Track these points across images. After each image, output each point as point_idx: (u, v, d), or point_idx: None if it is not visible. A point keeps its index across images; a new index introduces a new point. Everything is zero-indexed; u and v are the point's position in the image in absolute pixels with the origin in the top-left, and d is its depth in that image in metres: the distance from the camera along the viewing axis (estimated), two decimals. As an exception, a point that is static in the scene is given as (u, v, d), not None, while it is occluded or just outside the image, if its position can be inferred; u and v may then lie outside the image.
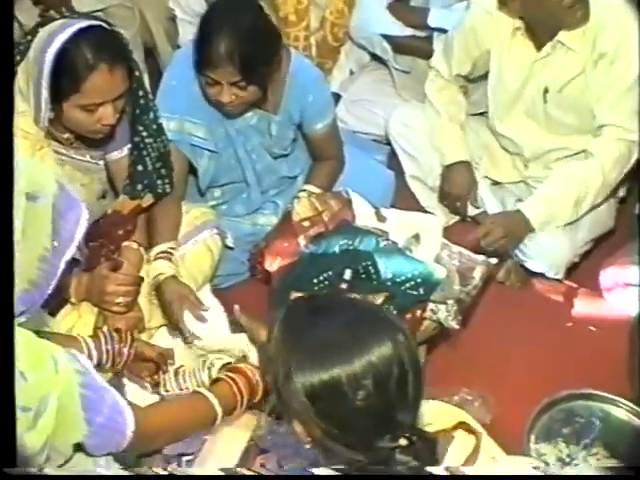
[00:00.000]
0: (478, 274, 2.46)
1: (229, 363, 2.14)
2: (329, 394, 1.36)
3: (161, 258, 2.46)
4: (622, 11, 2.61)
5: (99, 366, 2.04)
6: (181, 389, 2.15)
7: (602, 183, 2.70)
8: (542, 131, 2.82)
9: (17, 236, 1.54)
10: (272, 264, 2.52)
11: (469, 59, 2.90)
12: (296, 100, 2.70)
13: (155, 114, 2.42)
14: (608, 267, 2.81)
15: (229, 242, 2.74)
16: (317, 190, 2.78)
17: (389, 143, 3.21)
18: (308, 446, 1.44)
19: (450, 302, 2.37)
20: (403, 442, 1.38)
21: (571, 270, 2.85)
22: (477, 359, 2.61)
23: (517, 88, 2.79)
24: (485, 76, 2.90)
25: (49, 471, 1.57)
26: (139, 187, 2.43)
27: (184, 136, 2.61)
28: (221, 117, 2.66)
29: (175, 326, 2.40)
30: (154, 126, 2.41)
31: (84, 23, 2.16)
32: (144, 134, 2.38)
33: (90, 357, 2.03)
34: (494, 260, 2.55)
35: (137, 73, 2.31)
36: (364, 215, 2.59)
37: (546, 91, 2.73)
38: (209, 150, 2.67)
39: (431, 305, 2.37)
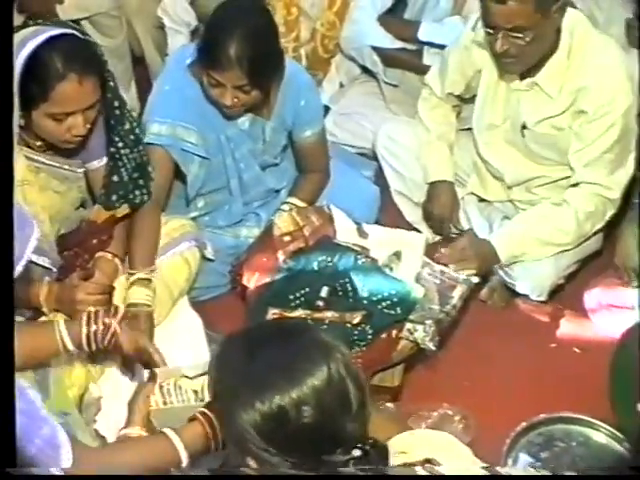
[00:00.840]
0: (457, 293, 2.44)
1: None
2: (274, 423, 1.38)
3: (139, 284, 2.40)
4: (612, 71, 2.59)
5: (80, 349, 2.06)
6: (165, 403, 2.08)
7: (575, 232, 2.71)
8: (523, 159, 2.81)
9: None
10: (250, 280, 2.49)
11: (463, 78, 2.88)
12: (289, 104, 2.69)
13: (132, 124, 2.39)
14: (593, 288, 2.79)
15: (208, 254, 2.70)
16: (301, 203, 2.77)
17: (375, 157, 3.19)
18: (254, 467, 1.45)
19: (428, 322, 2.34)
20: (357, 453, 1.40)
21: (556, 291, 2.82)
22: (457, 379, 2.58)
23: (498, 117, 2.78)
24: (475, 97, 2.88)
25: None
26: (114, 197, 2.40)
27: (176, 141, 2.59)
28: (213, 123, 2.63)
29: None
30: (131, 136, 2.38)
31: (56, 31, 2.13)
32: (120, 145, 2.36)
33: (64, 344, 2.02)
34: (476, 279, 2.52)
35: (111, 83, 2.28)
36: (345, 231, 2.58)
37: (524, 127, 2.72)
38: (200, 156, 2.65)
39: (408, 325, 2.35)
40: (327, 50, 3.35)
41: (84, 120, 2.19)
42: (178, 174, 2.69)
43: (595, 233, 2.78)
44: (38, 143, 2.27)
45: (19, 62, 2.08)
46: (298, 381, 1.37)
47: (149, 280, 2.42)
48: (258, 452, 1.40)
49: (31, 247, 1.61)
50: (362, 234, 2.57)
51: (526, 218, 2.77)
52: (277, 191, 2.89)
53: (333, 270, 2.43)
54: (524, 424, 2.32)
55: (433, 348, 2.35)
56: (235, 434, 1.41)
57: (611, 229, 2.86)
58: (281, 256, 2.51)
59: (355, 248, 2.49)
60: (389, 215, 3.03)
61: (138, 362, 2.17)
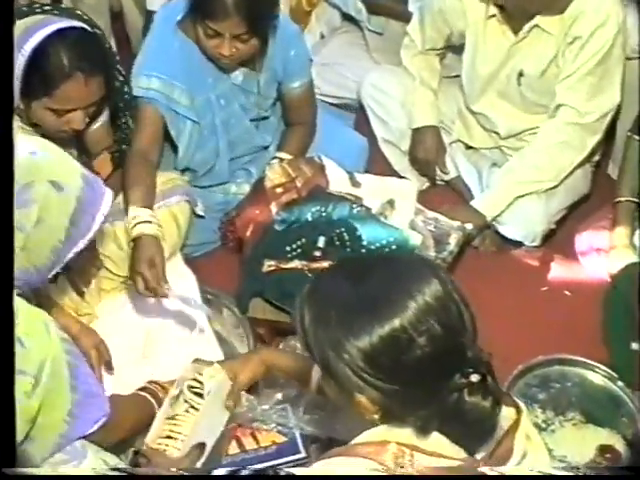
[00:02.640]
0: (454, 240, 2.45)
1: None
2: (390, 349, 1.29)
3: (143, 222, 2.32)
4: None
5: None
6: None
7: (550, 166, 2.71)
8: (517, 111, 2.80)
9: (31, 219, 1.57)
10: (244, 231, 2.49)
11: (441, 37, 2.88)
12: (280, 55, 2.64)
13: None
14: (583, 232, 2.78)
15: (199, 210, 2.67)
16: (290, 157, 2.73)
17: (360, 107, 3.16)
18: (376, 417, 1.36)
19: (426, 269, 2.33)
20: (475, 378, 1.32)
21: (547, 236, 2.82)
22: None
23: (490, 72, 2.76)
24: (462, 46, 2.85)
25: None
26: None
27: (168, 101, 2.53)
28: (204, 82, 2.58)
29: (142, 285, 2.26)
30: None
31: (65, 23, 2.07)
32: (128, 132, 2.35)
33: None
34: (470, 226, 2.52)
35: (119, 79, 2.25)
36: (338, 181, 2.57)
37: (520, 74, 2.71)
38: (191, 120, 2.60)
39: (406, 272, 2.33)
40: (311, 3, 3.34)
41: (84, 115, 2.14)
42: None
43: (578, 167, 2.75)
44: (29, 127, 2.21)
45: (25, 51, 2.02)
46: (412, 298, 1.30)
47: (150, 221, 2.34)
48: (370, 384, 1.31)
49: (98, 223, 1.70)
50: (355, 183, 2.57)
51: (502, 169, 2.78)
52: (266, 147, 2.85)
53: (328, 220, 2.42)
54: (521, 367, 2.33)
55: (431, 294, 2.33)
56: (342, 369, 1.32)
57: (599, 171, 2.85)
58: (274, 208, 2.50)
59: (349, 197, 2.49)
60: (376, 165, 3.01)
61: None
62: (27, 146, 1.63)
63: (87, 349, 2.07)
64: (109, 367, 2.16)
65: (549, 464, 1.50)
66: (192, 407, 1.86)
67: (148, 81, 2.49)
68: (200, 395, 1.86)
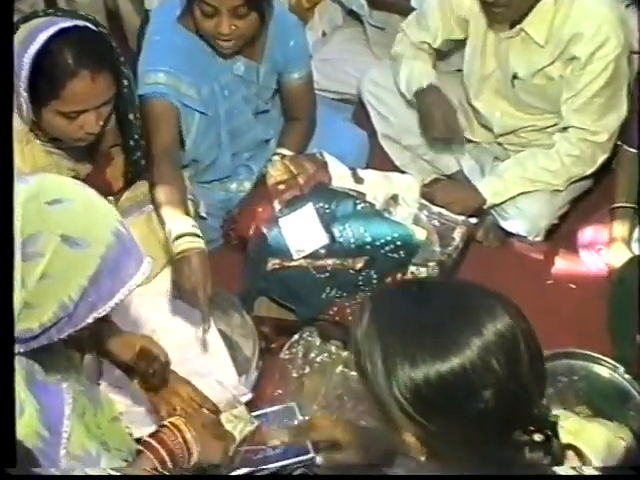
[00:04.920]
0: (458, 235, 2.44)
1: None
2: (446, 389, 1.17)
3: (187, 235, 2.24)
4: (602, 15, 2.54)
5: None
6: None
7: (561, 173, 2.71)
8: (512, 110, 2.79)
9: (35, 273, 1.45)
10: (247, 229, 2.48)
11: (440, 31, 2.82)
12: (279, 45, 2.64)
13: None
14: (586, 227, 2.78)
15: (202, 211, 2.65)
16: (291, 153, 2.72)
17: (360, 102, 3.14)
18: (422, 458, 1.24)
19: (431, 264, 2.34)
20: (538, 438, 1.19)
21: (550, 230, 2.82)
22: None
23: (488, 71, 2.75)
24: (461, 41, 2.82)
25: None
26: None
27: (177, 94, 2.50)
28: (207, 72, 2.56)
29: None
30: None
31: (68, 23, 2.02)
32: (136, 136, 2.31)
33: None
34: (474, 220, 2.51)
35: (126, 82, 2.19)
36: (340, 177, 2.56)
37: (515, 77, 2.69)
38: (199, 112, 2.58)
39: (412, 268, 2.34)
40: (310, 0, 3.33)
41: (97, 117, 2.07)
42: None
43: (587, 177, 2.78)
44: (47, 141, 2.17)
45: (29, 56, 1.97)
46: (481, 334, 1.17)
47: (193, 233, 2.26)
48: (413, 420, 1.20)
49: (127, 289, 1.54)
50: (357, 179, 2.56)
51: (511, 161, 2.78)
52: (267, 141, 2.83)
53: (332, 217, 2.41)
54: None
55: (438, 290, 2.32)
56: (387, 395, 1.20)
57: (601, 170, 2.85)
58: (277, 205, 2.49)
59: (352, 193, 2.48)
60: (377, 160, 2.99)
61: None
62: (51, 192, 1.50)
63: None
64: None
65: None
66: None
67: (155, 76, 2.46)
68: None
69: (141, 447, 1.79)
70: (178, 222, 2.25)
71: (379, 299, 1.28)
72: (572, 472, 1.27)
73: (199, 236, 2.25)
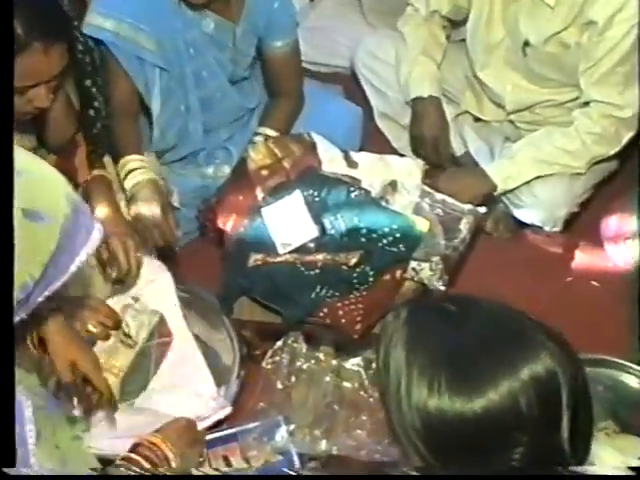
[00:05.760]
0: (465, 226, 2.43)
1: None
2: (461, 433, 1.18)
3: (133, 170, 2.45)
4: None
5: None
6: None
7: (581, 154, 2.69)
8: (525, 83, 2.78)
9: None
10: (226, 222, 2.46)
11: None
12: (261, 6, 2.63)
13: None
14: (610, 216, 2.79)
15: (174, 201, 2.64)
16: (274, 133, 2.71)
17: (353, 76, 3.15)
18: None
19: (435, 259, 2.33)
20: None
21: (568, 220, 2.81)
22: None
23: (496, 40, 2.74)
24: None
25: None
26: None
27: (134, 46, 2.50)
28: (171, 25, 2.54)
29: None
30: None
31: None
32: (96, 104, 2.32)
33: None
34: (482, 209, 2.50)
35: (80, 47, 2.22)
36: (332, 160, 2.55)
37: (526, 44, 2.68)
38: (160, 67, 2.57)
39: (413, 264, 2.33)
40: None
41: (47, 91, 2.08)
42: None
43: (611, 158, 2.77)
44: None
45: None
46: (516, 373, 1.17)
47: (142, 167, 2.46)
48: (416, 451, 1.22)
49: (79, 262, 1.57)
50: (351, 163, 2.55)
51: (525, 141, 2.76)
52: (248, 121, 2.82)
53: (322, 206, 2.41)
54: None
55: (442, 288, 2.33)
56: (396, 416, 1.24)
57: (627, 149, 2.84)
58: (260, 193, 2.48)
59: (345, 179, 2.47)
60: (373, 143, 2.99)
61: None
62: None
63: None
64: None
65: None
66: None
67: (102, 20, 2.45)
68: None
69: (120, 462, 1.83)
70: (129, 159, 2.46)
71: (415, 314, 1.29)
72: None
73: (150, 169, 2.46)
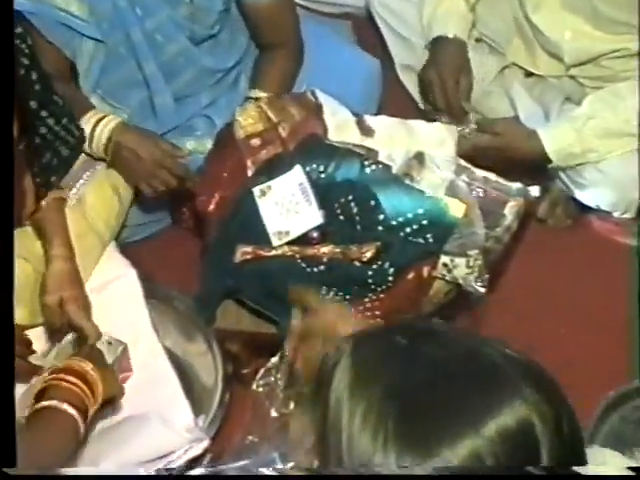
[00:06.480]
0: (511, 210, 2.42)
1: None
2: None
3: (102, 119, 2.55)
4: None
5: None
6: None
7: None
8: (589, 28, 2.78)
9: None
10: (207, 204, 2.47)
11: None
12: None
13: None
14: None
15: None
16: (267, 94, 2.71)
17: (369, 19, 3.18)
18: None
19: (472, 253, 2.33)
20: None
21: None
22: (513, 333, 2.52)
23: None
24: None
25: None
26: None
27: (53, 11, 2.52)
28: None
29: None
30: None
31: None
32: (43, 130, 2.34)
33: None
34: (536, 190, 2.50)
35: (25, 60, 2.22)
36: (341, 127, 2.55)
37: None
38: (92, 38, 2.59)
39: (444, 258, 2.33)
40: None
41: None
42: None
43: None
44: None
45: None
46: (479, 428, 1.16)
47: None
48: None
49: None
50: (365, 130, 2.54)
51: (589, 103, 2.76)
52: (234, 69, 2.84)
53: (329, 184, 2.42)
54: (613, 393, 2.35)
55: (482, 290, 2.34)
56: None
57: None
58: (250, 168, 2.48)
59: (357, 150, 2.47)
60: (395, 104, 3.01)
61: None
62: None
63: None
64: None
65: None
66: None
67: None
68: None
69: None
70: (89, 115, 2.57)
71: (360, 349, 1.27)
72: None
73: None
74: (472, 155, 2.59)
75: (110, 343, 2.29)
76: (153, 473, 1.99)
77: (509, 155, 2.71)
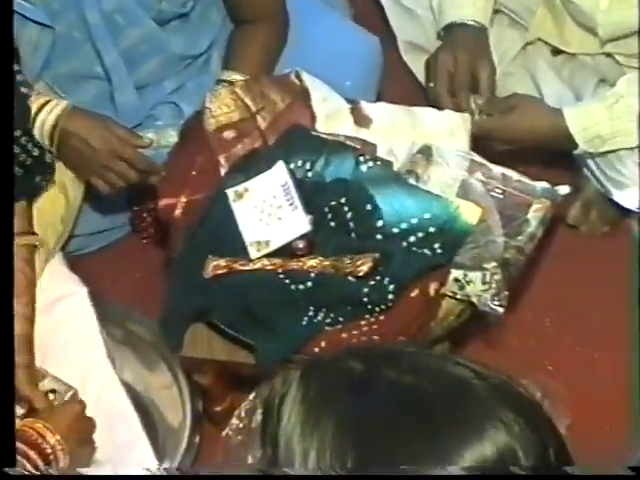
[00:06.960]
0: (536, 215, 2.42)
1: None
2: None
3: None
4: None
5: None
6: None
7: None
8: None
9: None
10: (171, 210, 2.47)
11: None
12: None
13: None
14: None
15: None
16: (244, 77, 2.73)
17: None
18: None
19: (489, 266, 2.33)
20: None
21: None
22: (537, 359, 2.65)
23: None
24: None
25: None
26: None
27: None
28: None
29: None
30: None
31: None
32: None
33: None
34: (565, 189, 2.50)
35: None
36: (332, 115, 2.58)
37: None
38: (36, 22, 2.62)
39: (456, 272, 2.33)
40: None
41: None
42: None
43: None
44: None
45: None
46: (454, 456, 1.19)
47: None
48: None
49: None
50: (361, 119, 2.56)
51: (626, 83, 2.75)
52: (205, 62, 2.87)
53: (316, 184, 2.43)
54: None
55: (500, 310, 2.33)
56: None
57: None
58: (223, 165, 2.50)
59: (352, 144, 2.48)
60: (394, 86, 3.05)
61: None
62: None
63: None
64: None
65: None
66: None
67: None
68: None
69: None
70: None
71: (310, 377, 1.30)
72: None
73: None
74: (480, 138, 2.62)
75: (54, 391, 2.29)
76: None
77: (525, 137, 2.71)
